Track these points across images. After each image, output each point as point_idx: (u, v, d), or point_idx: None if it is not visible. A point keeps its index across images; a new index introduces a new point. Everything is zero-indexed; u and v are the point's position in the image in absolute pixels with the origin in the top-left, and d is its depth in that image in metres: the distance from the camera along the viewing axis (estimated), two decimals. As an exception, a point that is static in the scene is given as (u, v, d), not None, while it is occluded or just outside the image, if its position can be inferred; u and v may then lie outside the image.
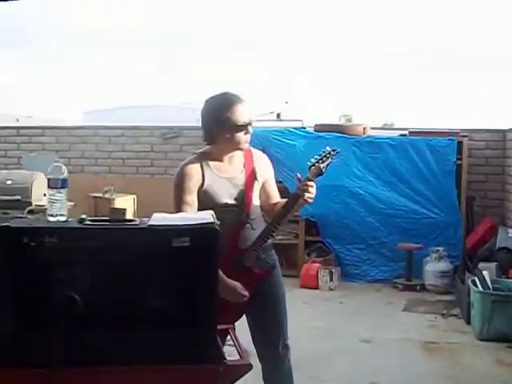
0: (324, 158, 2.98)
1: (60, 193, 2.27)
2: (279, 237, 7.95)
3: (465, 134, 7.69)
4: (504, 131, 7.99)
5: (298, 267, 7.64)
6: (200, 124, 3.11)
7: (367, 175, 7.55)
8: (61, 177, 2.27)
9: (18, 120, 18.08)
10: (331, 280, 7.09)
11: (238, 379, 2.29)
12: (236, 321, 3.03)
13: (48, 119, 16.64)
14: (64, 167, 2.31)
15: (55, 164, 2.30)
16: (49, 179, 2.28)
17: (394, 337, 5.44)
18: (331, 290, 7.04)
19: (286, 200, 3.08)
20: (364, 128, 7.76)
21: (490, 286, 5.63)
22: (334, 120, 7.45)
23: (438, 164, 7.46)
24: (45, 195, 5.38)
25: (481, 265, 6.49)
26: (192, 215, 2.51)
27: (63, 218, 2.25)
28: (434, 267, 7.05)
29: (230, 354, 2.43)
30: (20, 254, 2.07)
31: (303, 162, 8.21)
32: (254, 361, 2.51)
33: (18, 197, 5.87)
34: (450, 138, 7.52)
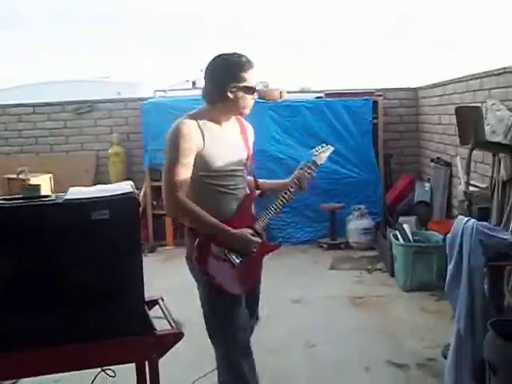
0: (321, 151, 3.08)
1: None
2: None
3: (379, 93, 7.82)
4: (416, 89, 8.16)
5: (223, 235, 7.63)
6: (204, 80, 2.91)
7: (287, 139, 7.59)
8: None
9: None
10: (257, 245, 7.09)
11: (170, 348, 2.27)
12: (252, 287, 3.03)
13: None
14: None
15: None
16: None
17: (324, 295, 5.54)
18: (258, 254, 7.05)
19: (285, 181, 3.06)
20: (280, 92, 7.77)
21: (411, 239, 5.80)
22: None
23: (355, 124, 7.57)
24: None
25: (401, 219, 6.68)
26: (109, 186, 2.45)
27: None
28: (357, 225, 7.19)
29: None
30: None
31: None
32: (186, 330, 2.47)
33: None
34: (366, 98, 7.64)
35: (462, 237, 3.39)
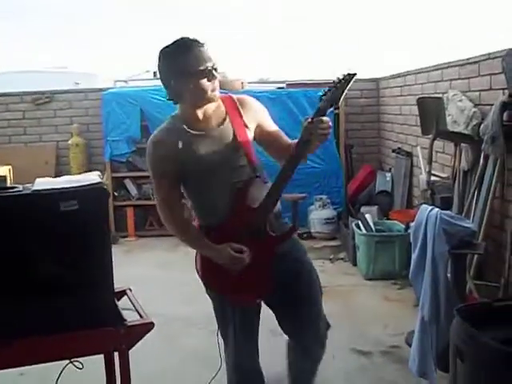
0: (338, 85, 2.42)
1: None
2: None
3: (340, 83, 7.85)
4: (377, 80, 8.24)
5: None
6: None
7: (248, 129, 7.58)
8: None
9: None
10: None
11: (140, 338, 2.26)
12: (255, 301, 2.72)
13: None
14: None
15: None
16: None
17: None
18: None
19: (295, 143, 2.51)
20: (242, 83, 7.75)
21: (373, 228, 5.87)
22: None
23: (317, 114, 7.59)
24: None
25: (363, 209, 6.75)
26: (78, 177, 2.42)
27: None
28: (319, 215, 7.23)
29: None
30: None
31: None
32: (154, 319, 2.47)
33: None
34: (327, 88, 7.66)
35: (425, 225, 3.45)
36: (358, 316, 4.71)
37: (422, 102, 4.75)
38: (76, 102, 8.38)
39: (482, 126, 4.31)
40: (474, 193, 4.54)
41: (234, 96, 2.67)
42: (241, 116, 2.59)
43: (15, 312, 2.05)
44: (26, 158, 7.93)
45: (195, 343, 4.34)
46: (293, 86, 7.77)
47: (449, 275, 3.42)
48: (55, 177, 2.48)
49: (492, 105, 4.20)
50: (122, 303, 2.62)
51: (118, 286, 2.71)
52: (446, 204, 4.00)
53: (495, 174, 4.25)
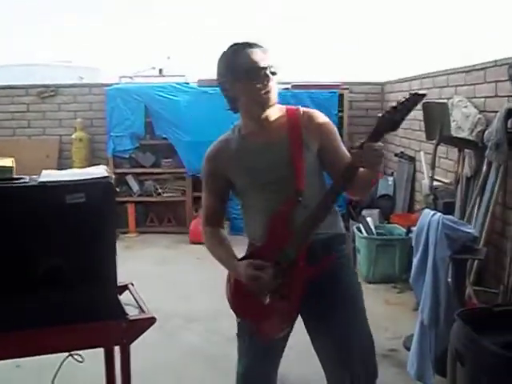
0: (401, 107, 2.08)
1: None
2: (166, 194, 7.91)
3: (345, 86, 7.87)
4: (382, 84, 8.24)
5: (186, 223, 7.65)
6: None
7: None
8: None
9: None
10: (221, 234, 7.07)
11: (141, 333, 2.27)
12: (279, 334, 2.40)
13: None
14: None
15: None
16: None
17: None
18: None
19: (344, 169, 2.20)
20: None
21: (374, 232, 5.87)
22: (215, 75, 7.46)
23: (321, 116, 7.60)
24: None
25: (364, 212, 6.74)
26: (84, 170, 2.41)
27: None
28: (320, 217, 7.21)
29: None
30: None
31: (187, 117, 8.12)
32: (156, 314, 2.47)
33: None
34: (332, 90, 7.68)
35: (428, 230, 3.46)
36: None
37: (426, 107, 4.75)
38: (80, 96, 8.38)
39: (486, 132, 4.32)
40: (476, 199, 4.55)
41: (301, 109, 2.40)
42: (301, 135, 2.32)
43: (19, 303, 2.06)
44: (28, 151, 7.93)
45: (194, 340, 4.35)
46: (298, 88, 7.77)
47: (449, 280, 3.42)
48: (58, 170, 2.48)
49: (497, 112, 4.21)
50: (123, 298, 2.63)
51: (118, 281, 2.72)
52: (448, 209, 4.01)
53: (498, 180, 4.26)
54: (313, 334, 2.42)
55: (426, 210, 3.68)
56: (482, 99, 4.68)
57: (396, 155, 7.20)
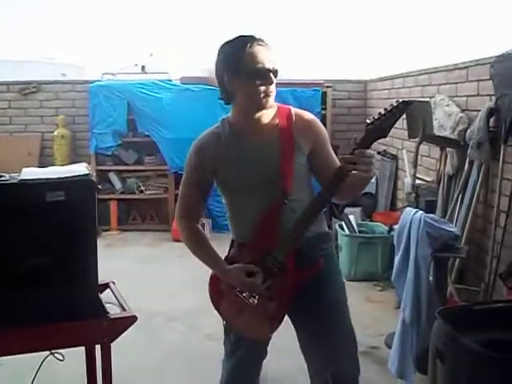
0: (389, 114, 2.10)
1: None
2: (148, 192, 7.88)
3: (328, 84, 7.88)
4: (365, 81, 8.26)
5: (169, 221, 7.63)
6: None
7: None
8: None
9: None
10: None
11: (123, 332, 2.25)
12: (266, 335, 2.42)
13: None
14: None
15: None
16: None
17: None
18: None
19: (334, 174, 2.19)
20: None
21: (356, 229, 5.90)
22: (198, 73, 7.44)
23: (304, 114, 7.60)
24: None
25: (346, 210, 6.76)
26: (65, 168, 2.39)
27: None
28: (303, 215, 7.22)
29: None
30: None
31: (170, 114, 8.07)
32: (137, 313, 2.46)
33: None
34: (315, 88, 7.69)
35: (409, 228, 3.47)
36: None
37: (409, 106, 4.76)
38: (63, 93, 8.32)
39: (468, 131, 4.35)
40: (457, 197, 4.58)
41: (293, 110, 2.40)
42: (292, 136, 2.31)
43: (-1, 302, 2.04)
44: (10, 148, 7.87)
45: (176, 338, 4.34)
46: (281, 85, 7.73)
47: (431, 278, 3.44)
48: (39, 168, 2.45)
49: (479, 110, 4.24)
50: (104, 297, 2.61)
51: (99, 279, 2.70)
52: (430, 207, 4.02)
53: (480, 179, 4.29)
54: (298, 329, 2.44)
55: (408, 209, 3.69)
56: (464, 98, 4.70)
57: (378, 153, 7.23)
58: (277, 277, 2.26)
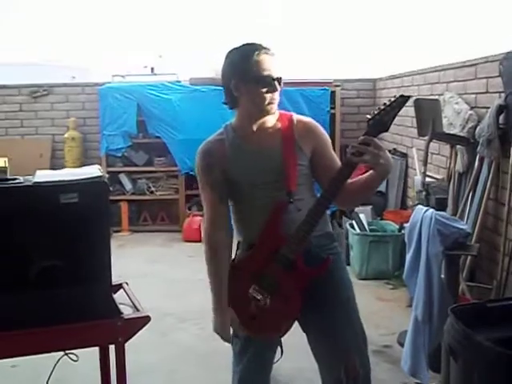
0: (388, 108, 2.21)
1: None
2: (159, 193, 7.91)
3: (337, 83, 7.88)
4: (374, 80, 8.25)
5: (180, 222, 7.66)
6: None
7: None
8: None
9: None
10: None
11: (137, 332, 2.27)
12: (279, 335, 2.43)
13: None
14: None
15: None
16: None
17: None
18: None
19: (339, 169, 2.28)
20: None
21: (367, 228, 5.89)
22: (207, 74, 7.48)
23: (313, 114, 7.55)
24: None
25: (357, 209, 6.76)
26: (78, 170, 2.42)
27: None
28: (313, 214, 7.22)
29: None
30: None
31: (180, 116, 8.10)
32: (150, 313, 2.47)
33: None
34: (324, 87, 7.69)
35: (420, 226, 3.47)
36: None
37: (418, 104, 4.77)
38: (73, 95, 8.36)
39: (477, 128, 4.34)
40: (468, 195, 4.57)
41: (295, 116, 2.46)
42: (294, 139, 2.37)
43: (12, 303, 2.06)
44: (21, 151, 7.91)
45: (187, 338, 4.36)
46: (289, 85, 7.76)
47: (442, 276, 3.44)
48: (51, 170, 2.48)
49: (488, 108, 4.23)
50: (118, 297, 2.63)
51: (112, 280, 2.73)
52: (440, 205, 4.01)
53: (490, 176, 4.28)
54: (308, 329, 2.46)
55: (419, 207, 3.69)
56: (473, 95, 4.69)
57: (388, 151, 7.21)
58: (288, 276, 2.29)
